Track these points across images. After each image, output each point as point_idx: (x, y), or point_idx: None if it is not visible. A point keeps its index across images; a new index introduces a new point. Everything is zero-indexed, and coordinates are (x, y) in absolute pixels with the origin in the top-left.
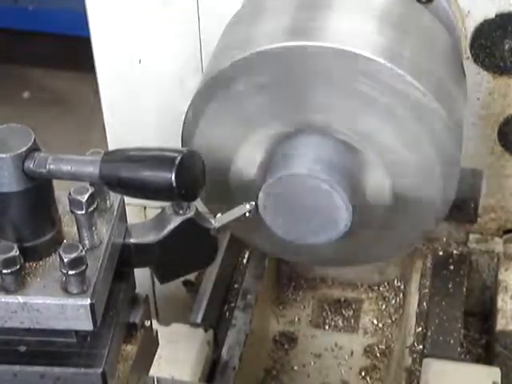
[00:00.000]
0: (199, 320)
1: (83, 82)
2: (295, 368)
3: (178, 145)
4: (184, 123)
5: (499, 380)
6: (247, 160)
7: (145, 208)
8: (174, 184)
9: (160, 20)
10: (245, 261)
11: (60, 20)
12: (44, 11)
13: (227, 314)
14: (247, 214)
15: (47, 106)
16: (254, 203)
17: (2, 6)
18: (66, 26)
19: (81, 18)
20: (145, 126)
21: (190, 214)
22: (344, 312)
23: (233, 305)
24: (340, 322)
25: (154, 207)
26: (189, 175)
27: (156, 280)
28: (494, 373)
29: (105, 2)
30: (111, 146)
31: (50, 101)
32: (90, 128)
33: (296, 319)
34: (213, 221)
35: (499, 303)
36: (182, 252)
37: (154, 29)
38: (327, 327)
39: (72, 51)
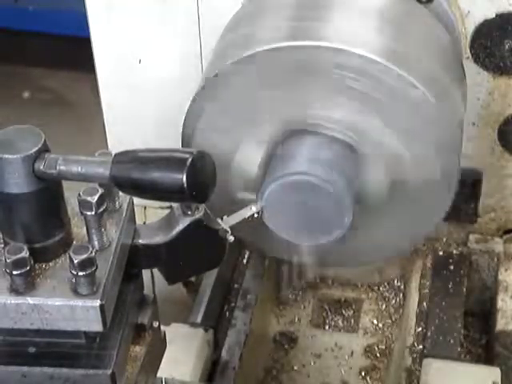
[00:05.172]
0: (199, 320)
1: (83, 82)
2: (295, 368)
3: (177, 145)
4: (184, 123)
5: (499, 380)
6: (247, 160)
7: (145, 208)
8: (185, 185)
9: (160, 20)
10: (245, 261)
11: (60, 20)
12: (44, 11)
13: (227, 314)
14: (255, 215)
15: (47, 106)
16: (261, 205)
17: (2, 6)
18: (66, 26)
19: (81, 18)
20: (145, 126)
21: (199, 214)
22: (344, 312)
23: (233, 305)
24: (340, 322)
25: (154, 207)
26: (199, 176)
27: (156, 280)
28: (494, 373)
29: (105, 2)
30: (111, 146)
31: (50, 101)
32: (90, 128)
33: (296, 319)
34: (221, 222)
35: (499, 303)
36: (190, 253)
37: (154, 29)
38: (327, 327)
39: (72, 51)
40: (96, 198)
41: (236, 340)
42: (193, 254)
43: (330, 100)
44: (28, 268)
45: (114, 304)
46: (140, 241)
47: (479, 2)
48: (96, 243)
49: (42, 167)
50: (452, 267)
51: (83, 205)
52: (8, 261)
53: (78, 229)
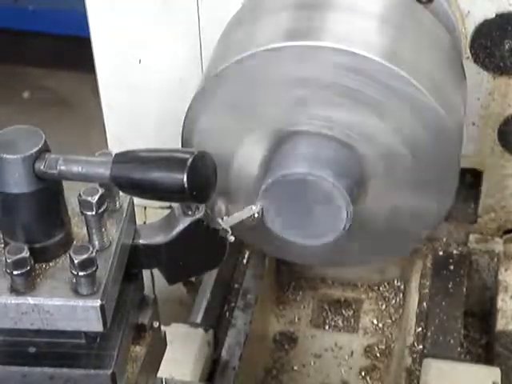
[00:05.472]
0: (199, 320)
1: (83, 81)
2: (295, 368)
3: (177, 145)
4: (184, 123)
5: (499, 380)
6: (247, 160)
7: (145, 208)
8: (186, 185)
9: (160, 20)
10: (245, 261)
11: (60, 20)
12: (44, 11)
13: (227, 314)
14: (256, 215)
15: (47, 106)
16: (261, 205)
17: (2, 6)
18: (66, 26)
19: (81, 18)
20: (145, 125)
21: (199, 214)
22: (344, 312)
23: (233, 305)
24: (340, 322)
25: (154, 207)
26: (200, 176)
27: (156, 280)
28: (494, 373)
29: (105, 2)
30: (111, 146)
31: (50, 101)
32: (90, 128)
33: (296, 319)
34: (221, 222)
35: (499, 303)
36: (191, 253)
37: (154, 29)
38: (327, 327)
39: (72, 51)
40: (96, 198)
41: (236, 340)
42: (193, 254)
43: (330, 100)
44: (28, 268)
45: (114, 304)
46: (140, 241)
47: (479, 2)
48: (96, 243)
49: (42, 167)
50: (452, 267)
51: (84, 205)
52: (8, 261)
53: (79, 229)
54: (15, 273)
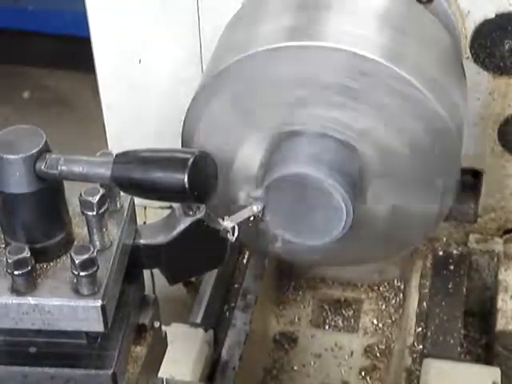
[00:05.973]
0: (199, 320)
1: (83, 82)
2: (295, 368)
3: (178, 145)
4: (184, 123)
5: (499, 380)
6: (247, 160)
7: (145, 208)
8: (187, 185)
9: (160, 20)
10: (245, 261)
11: (60, 20)
12: (44, 11)
13: (227, 314)
14: (256, 215)
15: (47, 106)
16: (262, 205)
17: (2, 6)
18: (66, 26)
19: (81, 18)
20: (145, 125)
21: (200, 215)
22: (344, 312)
23: (233, 305)
24: (340, 322)
25: (154, 207)
26: (201, 176)
27: (156, 280)
28: (494, 373)
29: (105, 2)
30: (111, 146)
31: (50, 101)
32: (90, 128)
33: (296, 319)
34: (222, 222)
35: (499, 303)
36: (192, 253)
37: (154, 29)
38: (327, 327)
39: (72, 51)
40: (97, 198)
41: (236, 340)
42: (194, 254)
43: (330, 100)
44: (29, 268)
45: (115, 304)
46: (141, 241)
47: (479, 2)
48: (97, 243)
49: (43, 167)
50: (452, 267)
51: (84, 205)
52: (9, 261)
53: (79, 229)
54: (16, 273)
